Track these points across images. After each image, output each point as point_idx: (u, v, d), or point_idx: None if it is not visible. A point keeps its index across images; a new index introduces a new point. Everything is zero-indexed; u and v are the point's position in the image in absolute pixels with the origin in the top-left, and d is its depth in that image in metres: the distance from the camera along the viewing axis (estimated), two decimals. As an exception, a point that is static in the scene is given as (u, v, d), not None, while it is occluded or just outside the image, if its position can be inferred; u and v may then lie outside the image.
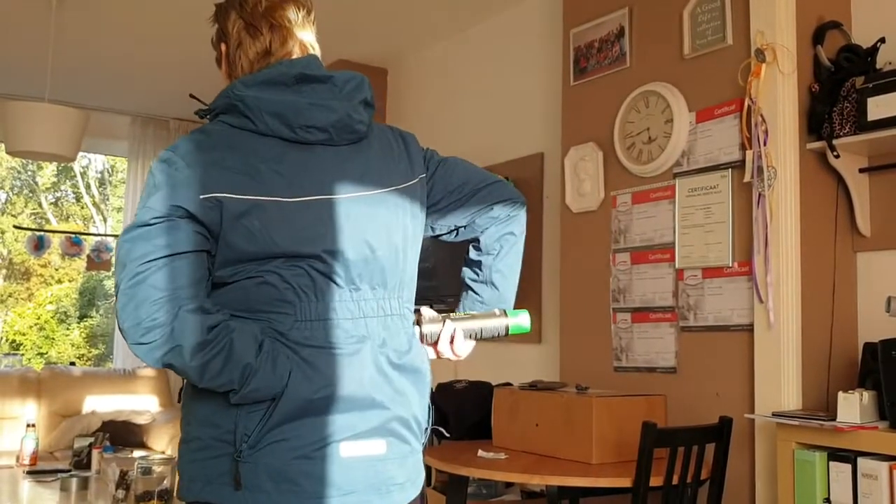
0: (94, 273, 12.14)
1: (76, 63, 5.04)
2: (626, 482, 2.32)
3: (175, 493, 3.03)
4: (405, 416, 1.40)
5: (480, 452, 2.68)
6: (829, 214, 2.68)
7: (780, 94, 2.62)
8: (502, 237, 1.61)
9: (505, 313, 1.54)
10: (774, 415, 2.42)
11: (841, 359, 2.62)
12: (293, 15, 1.48)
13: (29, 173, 14.97)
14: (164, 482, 3.13)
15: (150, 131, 6.25)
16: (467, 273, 1.64)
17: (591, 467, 2.48)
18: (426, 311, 1.52)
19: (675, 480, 2.34)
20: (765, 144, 2.62)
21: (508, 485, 3.10)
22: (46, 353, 13.43)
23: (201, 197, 1.30)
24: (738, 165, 2.75)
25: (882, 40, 2.61)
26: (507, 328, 1.53)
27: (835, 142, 2.55)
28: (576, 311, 3.35)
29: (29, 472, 3.92)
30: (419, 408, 1.44)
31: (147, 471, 3.14)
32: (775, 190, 2.59)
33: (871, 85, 2.48)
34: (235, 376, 1.28)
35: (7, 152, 4.34)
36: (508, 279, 1.63)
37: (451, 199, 1.56)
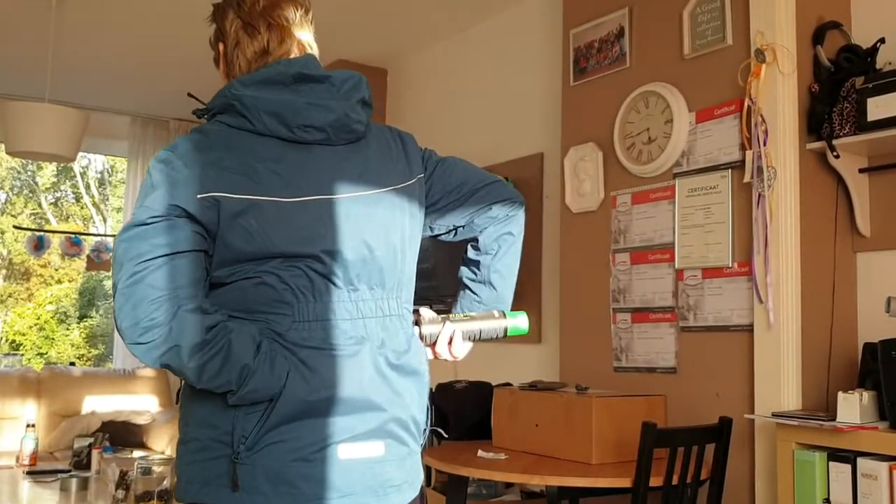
0: (93, 273, 12.15)
1: (76, 63, 5.04)
2: (625, 482, 2.32)
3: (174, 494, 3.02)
4: (403, 417, 1.40)
5: (480, 453, 2.68)
6: (829, 214, 2.67)
7: (780, 94, 2.62)
8: (501, 237, 1.60)
9: (503, 315, 1.54)
10: (774, 415, 2.42)
11: (841, 359, 2.62)
12: (291, 14, 1.47)
13: (29, 173, 14.97)
14: (164, 482, 3.13)
15: (150, 131, 6.24)
16: (465, 272, 1.64)
17: (591, 467, 2.48)
18: (425, 312, 1.51)
19: (674, 481, 2.33)
20: (765, 145, 2.62)
21: (508, 485, 3.10)
22: (46, 353, 13.44)
23: (199, 196, 1.30)
24: (738, 166, 2.75)
25: (882, 40, 2.61)
26: (505, 330, 1.53)
27: (835, 142, 2.55)
28: (576, 311, 3.35)
29: (29, 473, 3.92)
30: (418, 409, 1.44)
31: (147, 471, 3.14)
32: (775, 190, 2.59)
33: (870, 85, 2.48)
34: (233, 377, 1.27)
35: (7, 152, 4.33)
36: (506, 279, 1.63)
37: (450, 198, 1.56)
